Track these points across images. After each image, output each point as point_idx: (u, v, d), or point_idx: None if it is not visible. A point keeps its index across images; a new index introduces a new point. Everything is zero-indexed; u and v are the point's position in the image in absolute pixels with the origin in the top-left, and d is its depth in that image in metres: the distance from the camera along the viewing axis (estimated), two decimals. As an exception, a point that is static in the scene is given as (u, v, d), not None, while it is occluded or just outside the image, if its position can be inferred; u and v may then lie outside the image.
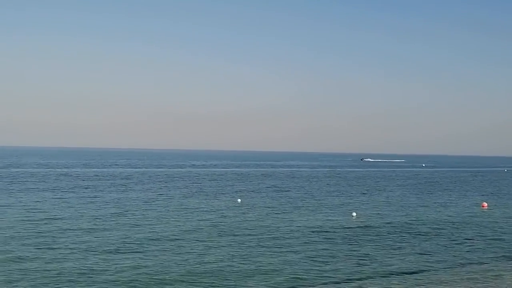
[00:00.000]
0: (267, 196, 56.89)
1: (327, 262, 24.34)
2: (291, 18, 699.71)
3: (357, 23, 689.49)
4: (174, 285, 19.71)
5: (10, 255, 23.49)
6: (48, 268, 21.58)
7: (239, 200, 50.97)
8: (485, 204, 51.82)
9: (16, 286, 19.03)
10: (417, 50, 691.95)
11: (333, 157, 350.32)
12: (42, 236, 28.75)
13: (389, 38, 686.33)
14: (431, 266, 24.10)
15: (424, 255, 26.51)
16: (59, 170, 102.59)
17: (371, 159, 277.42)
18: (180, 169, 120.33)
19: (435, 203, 53.34)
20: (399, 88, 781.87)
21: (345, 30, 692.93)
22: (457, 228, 36.11)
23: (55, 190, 56.61)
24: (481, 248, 28.94)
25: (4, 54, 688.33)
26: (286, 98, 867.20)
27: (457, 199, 59.09)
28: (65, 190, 56.88)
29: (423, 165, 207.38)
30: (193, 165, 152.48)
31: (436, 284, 20.99)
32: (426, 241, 30.60)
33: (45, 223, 33.16)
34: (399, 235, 32.45)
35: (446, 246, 29.11)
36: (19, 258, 23.01)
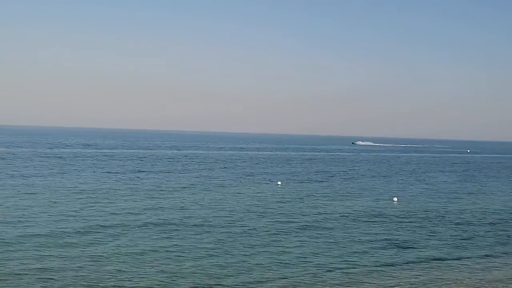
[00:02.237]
0: (307, 179, 57.05)
1: (366, 247, 24.51)
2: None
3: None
4: (208, 269, 20.03)
5: (70, 241, 24.47)
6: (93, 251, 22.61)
7: (279, 183, 51.38)
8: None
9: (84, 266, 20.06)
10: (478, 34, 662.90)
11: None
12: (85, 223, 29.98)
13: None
14: (471, 254, 23.95)
15: (466, 243, 26.28)
16: (106, 151, 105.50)
17: (362, 141, 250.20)
18: (233, 152, 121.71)
19: (479, 190, 52.32)
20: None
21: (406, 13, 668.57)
22: (501, 216, 35.44)
23: (102, 172, 58.40)
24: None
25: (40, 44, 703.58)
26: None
27: (503, 186, 57.68)
28: (109, 171, 58.57)
29: (468, 151, 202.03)
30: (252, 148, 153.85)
31: (477, 271, 20.90)
32: (469, 229, 30.23)
33: (84, 206, 34.44)
34: (440, 222, 32.14)
35: (488, 235, 28.72)
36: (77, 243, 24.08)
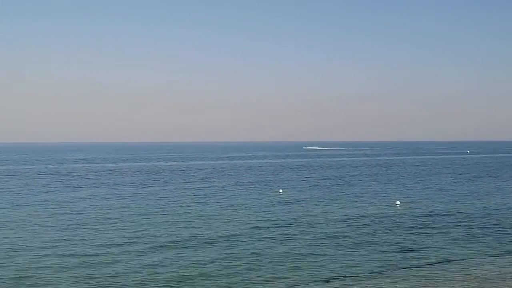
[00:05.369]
0: (307, 186, 56.93)
1: (372, 252, 24.44)
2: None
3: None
4: (214, 280, 19.92)
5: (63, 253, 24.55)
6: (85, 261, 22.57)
7: (280, 191, 51.31)
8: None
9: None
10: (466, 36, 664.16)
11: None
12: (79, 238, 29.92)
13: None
14: (475, 255, 23.88)
15: (469, 244, 26.21)
16: (108, 165, 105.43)
17: (318, 146, 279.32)
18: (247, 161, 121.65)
19: (482, 191, 52.21)
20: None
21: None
22: (504, 215, 35.40)
23: (102, 187, 58.36)
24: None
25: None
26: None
27: (505, 186, 57.62)
28: (107, 186, 58.50)
29: (468, 151, 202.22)
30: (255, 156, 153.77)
31: (481, 271, 20.84)
32: (472, 229, 30.15)
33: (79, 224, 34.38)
34: (445, 224, 32.01)
35: (491, 235, 28.65)
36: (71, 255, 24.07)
